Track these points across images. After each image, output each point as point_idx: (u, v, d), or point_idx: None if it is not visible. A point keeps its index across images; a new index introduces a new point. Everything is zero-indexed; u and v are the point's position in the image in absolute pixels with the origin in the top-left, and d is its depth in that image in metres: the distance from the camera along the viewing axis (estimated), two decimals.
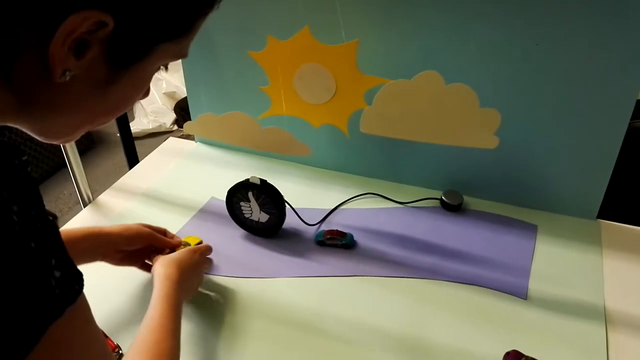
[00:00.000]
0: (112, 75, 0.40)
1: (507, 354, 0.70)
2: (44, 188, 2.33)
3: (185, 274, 0.72)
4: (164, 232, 0.85)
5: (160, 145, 1.24)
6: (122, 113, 0.45)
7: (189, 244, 0.84)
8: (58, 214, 2.16)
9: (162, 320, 0.62)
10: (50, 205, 2.22)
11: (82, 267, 0.39)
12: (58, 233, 0.36)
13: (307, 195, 1.04)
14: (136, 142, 1.55)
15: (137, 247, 0.79)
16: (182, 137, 1.28)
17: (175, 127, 2.74)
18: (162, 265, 0.72)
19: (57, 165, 2.34)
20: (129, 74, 0.41)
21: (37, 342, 0.33)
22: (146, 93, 0.47)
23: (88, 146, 2.59)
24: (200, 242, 0.87)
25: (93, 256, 0.76)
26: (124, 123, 1.53)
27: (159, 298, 0.66)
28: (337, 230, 0.91)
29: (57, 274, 0.34)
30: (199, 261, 0.79)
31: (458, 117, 0.77)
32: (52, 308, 0.34)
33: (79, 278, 0.37)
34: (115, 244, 0.77)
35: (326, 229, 0.93)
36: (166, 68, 0.46)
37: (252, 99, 0.95)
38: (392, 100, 0.80)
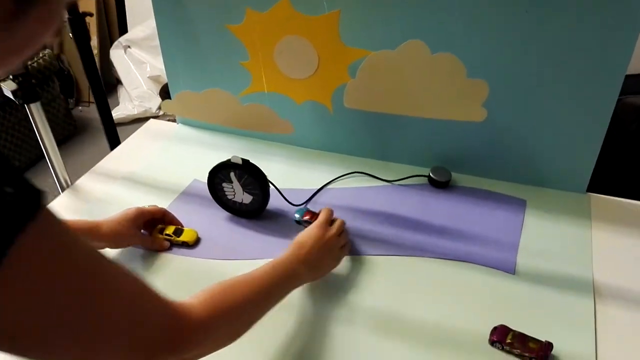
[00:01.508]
0: (17, 11, 0.37)
1: (495, 328, 0.69)
2: (30, 175, 2.28)
3: (318, 252, 0.72)
4: (162, 213, 0.87)
5: (141, 128, 1.21)
6: (32, 52, 0.42)
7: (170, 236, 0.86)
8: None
9: (256, 280, 0.61)
10: None
11: None
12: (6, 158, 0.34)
13: (291, 176, 1.01)
14: (121, 128, 1.51)
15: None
16: (170, 120, 1.24)
17: (162, 112, 2.69)
18: (301, 236, 0.74)
19: (41, 154, 2.30)
20: (35, 9, 0.38)
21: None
22: (57, 33, 0.44)
23: (72, 132, 2.54)
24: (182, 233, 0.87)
25: None
26: (104, 108, 1.49)
27: (272, 262, 0.66)
28: (317, 213, 0.85)
29: (9, 189, 0.32)
30: (338, 243, 0.78)
31: (444, 88, 0.75)
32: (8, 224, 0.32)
33: (36, 195, 0.35)
34: (101, 244, 0.78)
35: (310, 208, 0.89)
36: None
37: (232, 75, 0.92)
38: (376, 73, 0.77)
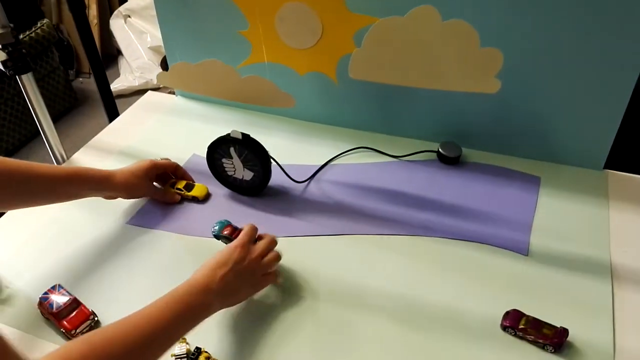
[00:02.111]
0: None
1: (507, 313, 0.66)
2: (30, 149, 2.27)
3: (234, 279, 0.62)
4: (174, 167, 0.88)
5: (138, 100, 1.17)
6: None
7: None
8: None
9: (144, 319, 0.53)
10: None
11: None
12: None
13: (293, 151, 0.97)
14: (122, 100, 1.47)
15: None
16: (170, 92, 1.19)
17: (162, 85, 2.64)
18: (216, 257, 0.63)
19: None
20: None
21: None
22: None
23: (73, 104, 2.51)
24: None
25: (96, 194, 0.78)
26: (102, 79, 1.45)
27: (171, 293, 0.57)
28: (238, 231, 0.71)
29: None
30: (260, 268, 0.67)
31: (456, 58, 0.70)
32: None
33: None
34: (114, 194, 0.80)
35: (230, 222, 0.73)
36: None
37: (231, 45, 0.87)
38: (383, 41, 0.72)
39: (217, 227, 0.72)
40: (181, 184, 0.88)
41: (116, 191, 0.80)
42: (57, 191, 0.73)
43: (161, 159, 0.88)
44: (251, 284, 0.67)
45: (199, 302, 0.59)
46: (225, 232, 0.71)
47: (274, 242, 0.70)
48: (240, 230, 0.70)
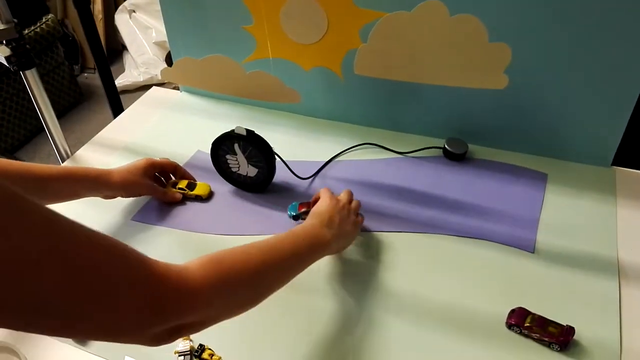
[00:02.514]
0: None
1: (513, 311, 0.66)
2: (36, 145, 2.27)
3: (337, 217, 0.68)
4: (174, 167, 0.87)
5: (143, 96, 1.16)
6: None
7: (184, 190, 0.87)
8: None
9: (272, 244, 0.57)
10: (42, 162, 2.15)
11: None
12: None
13: (298, 147, 0.97)
14: (127, 96, 1.47)
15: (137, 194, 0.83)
16: (174, 88, 1.19)
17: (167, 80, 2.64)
18: (316, 207, 0.70)
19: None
20: None
21: None
22: None
23: (78, 100, 2.51)
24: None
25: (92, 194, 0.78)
26: (106, 75, 1.45)
27: (291, 229, 0.62)
28: (312, 202, 0.78)
29: None
30: (352, 210, 0.73)
31: (464, 53, 0.69)
32: None
33: None
34: (112, 192, 0.79)
35: (299, 201, 0.81)
36: None
37: (235, 41, 0.87)
38: (390, 37, 0.71)
39: (292, 212, 0.78)
40: (183, 184, 0.87)
41: (114, 190, 0.79)
42: (51, 191, 0.72)
43: (160, 159, 0.87)
44: (353, 223, 0.72)
45: (320, 234, 0.64)
46: (303, 209, 0.77)
47: (351, 192, 0.77)
48: (313, 199, 0.76)
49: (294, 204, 0.81)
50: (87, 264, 0.37)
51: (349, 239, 0.72)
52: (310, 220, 0.67)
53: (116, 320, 0.39)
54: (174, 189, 0.87)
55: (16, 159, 1.95)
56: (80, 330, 0.39)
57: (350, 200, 0.75)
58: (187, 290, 0.44)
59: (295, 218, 0.79)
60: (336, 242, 0.67)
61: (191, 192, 0.86)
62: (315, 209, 0.71)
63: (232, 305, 0.50)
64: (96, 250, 0.38)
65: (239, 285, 0.51)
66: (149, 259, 0.42)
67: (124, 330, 0.40)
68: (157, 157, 0.87)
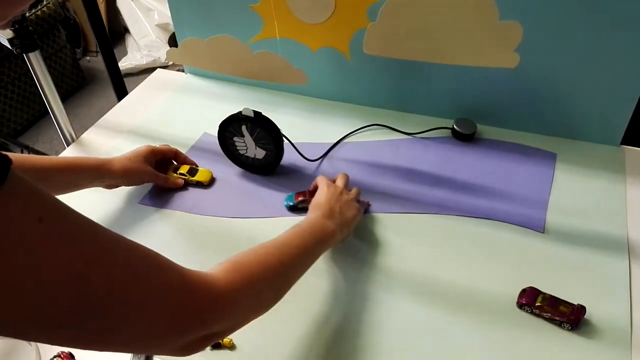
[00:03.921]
0: None
1: (523, 291, 0.66)
2: (39, 129, 2.27)
3: (337, 206, 0.69)
4: (174, 153, 0.86)
5: (147, 78, 1.15)
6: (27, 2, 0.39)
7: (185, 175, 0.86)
8: (53, 155, 2.11)
9: (285, 243, 0.58)
10: (45, 146, 2.16)
11: None
12: None
13: (306, 129, 0.96)
14: (130, 79, 1.46)
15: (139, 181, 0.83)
16: (179, 70, 1.18)
17: (171, 62, 2.61)
18: (314, 200, 0.70)
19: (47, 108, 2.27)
20: None
21: None
22: None
23: (80, 84, 2.49)
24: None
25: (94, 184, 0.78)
26: (110, 58, 1.43)
27: (297, 225, 0.62)
28: (309, 191, 0.80)
29: None
30: (351, 196, 0.74)
31: (474, 31, 0.68)
32: None
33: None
34: (114, 181, 0.79)
35: (295, 191, 0.81)
36: None
37: (241, 20, 0.85)
38: (399, 15, 0.70)
39: (288, 202, 0.78)
40: (184, 169, 0.86)
41: (115, 178, 0.79)
42: (51, 182, 0.70)
43: (160, 145, 0.86)
44: (354, 208, 0.72)
45: (325, 227, 0.64)
46: (300, 198, 0.76)
47: (347, 176, 0.78)
48: (311, 188, 0.76)
49: (290, 194, 0.80)
50: (126, 274, 0.37)
51: (351, 222, 0.71)
52: (312, 214, 0.68)
53: (151, 329, 0.39)
54: (176, 174, 0.86)
55: (19, 144, 1.95)
56: (114, 342, 0.38)
57: (346, 184, 0.76)
58: (218, 297, 0.45)
59: (292, 209, 0.79)
60: (340, 232, 0.67)
61: (192, 178, 0.85)
62: (314, 201, 0.71)
63: (257, 307, 0.51)
64: (135, 261, 0.38)
65: (262, 288, 0.51)
66: (183, 268, 0.42)
67: (158, 340, 0.40)
68: (163, 141, 0.87)
